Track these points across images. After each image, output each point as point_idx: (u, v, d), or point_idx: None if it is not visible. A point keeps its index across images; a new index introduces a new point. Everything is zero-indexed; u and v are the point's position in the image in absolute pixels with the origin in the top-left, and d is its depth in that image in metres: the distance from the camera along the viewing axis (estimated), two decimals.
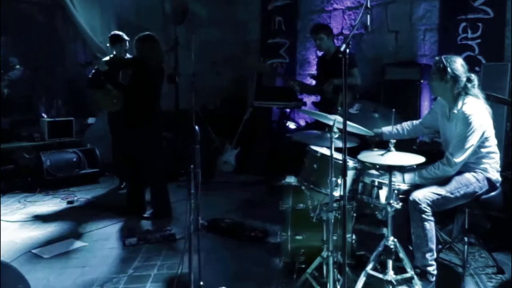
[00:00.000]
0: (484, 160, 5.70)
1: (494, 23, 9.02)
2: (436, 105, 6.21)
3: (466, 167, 5.70)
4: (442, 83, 5.69)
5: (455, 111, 5.65)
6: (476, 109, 5.53)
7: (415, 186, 5.62)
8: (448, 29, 9.61)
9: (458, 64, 5.68)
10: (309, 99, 11.41)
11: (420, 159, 5.18)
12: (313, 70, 11.17)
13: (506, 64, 8.37)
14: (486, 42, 9.12)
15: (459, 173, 5.67)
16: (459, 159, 5.46)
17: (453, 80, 5.63)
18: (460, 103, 5.63)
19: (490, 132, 5.67)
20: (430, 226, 5.46)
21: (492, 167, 5.73)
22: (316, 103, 9.78)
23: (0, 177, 10.05)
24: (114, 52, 9.73)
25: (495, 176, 5.74)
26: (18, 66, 11.93)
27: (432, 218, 5.46)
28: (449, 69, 5.60)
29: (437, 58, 5.81)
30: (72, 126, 11.37)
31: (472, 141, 5.45)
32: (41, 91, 12.37)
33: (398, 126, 6.39)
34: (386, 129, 6.33)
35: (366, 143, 6.36)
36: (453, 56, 5.78)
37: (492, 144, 5.73)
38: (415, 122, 6.45)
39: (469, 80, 5.70)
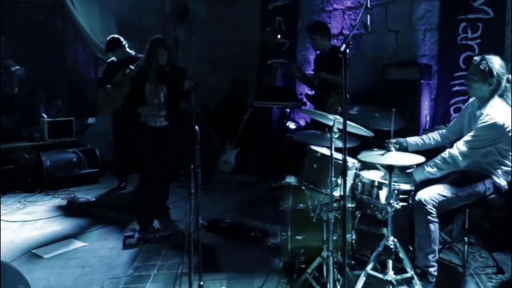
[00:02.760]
0: (499, 166, 5.69)
1: (494, 23, 9.01)
2: (465, 110, 6.15)
3: (478, 168, 5.72)
4: (485, 86, 5.63)
5: (483, 111, 5.61)
6: (501, 115, 5.49)
7: (417, 186, 5.63)
8: (448, 29, 9.60)
9: (500, 66, 5.64)
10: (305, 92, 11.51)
11: (420, 159, 5.17)
12: (312, 70, 11.18)
13: (507, 64, 8.37)
14: (486, 42, 9.09)
15: (466, 173, 5.69)
16: (470, 151, 5.45)
17: (497, 82, 5.61)
18: (489, 104, 5.61)
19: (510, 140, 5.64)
20: (435, 228, 5.47)
21: (504, 175, 5.73)
22: (309, 96, 9.85)
23: (0, 177, 10.07)
24: (114, 58, 9.71)
25: (504, 183, 5.73)
26: (18, 67, 11.95)
27: (437, 220, 5.47)
28: (494, 72, 5.57)
29: (477, 58, 5.72)
30: (72, 126, 11.37)
31: (486, 142, 5.48)
32: (41, 91, 12.38)
33: (424, 137, 6.34)
34: (411, 139, 6.30)
35: (366, 143, 6.37)
36: (493, 56, 5.72)
37: (509, 154, 5.74)
38: (442, 131, 6.38)
39: (508, 80, 5.72)
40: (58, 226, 8.10)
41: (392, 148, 5.22)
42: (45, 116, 11.34)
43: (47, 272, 6.32)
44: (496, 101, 5.62)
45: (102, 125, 11.51)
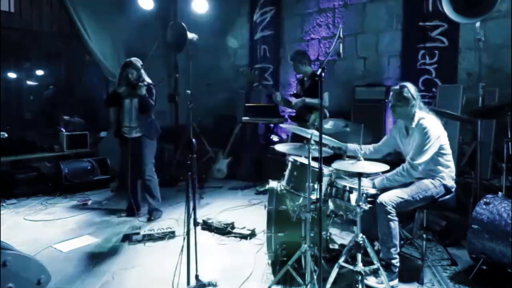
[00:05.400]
0: (441, 169, 5.75)
1: (448, 50, 9.10)
2: (393, 130, 6.29)
3: (426, 174, 5.78)
4: (408, 108, 5.76)
5: (413, 126, 5.74)
6: (431, 122, 5.63)
7: (381, 190, 5.66)
8: (409, 55, 9.66)
9: (413, 88, 5.84)
10: (286, 112, 11.54)
11: (385, 167, 5.19)
12: (293, 90, 11.20)
13: (459, 86, 8.43)
14: (442, 67, 9.19)
15: (420, 179, 5.75)
16: (419, 161, 5.54)
17: (416, 103, 5.75)
18: (416, 119, 5.73)
19: (445, 141, 5.73)
20: (395, 225, 5.50)
21: (448, 175, 5.78)
22: (291, 116, 9.89)
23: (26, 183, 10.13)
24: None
25: (451, 183, 5.79)
26: (51, 87, 12.01)
27: (396, 218, 5.50)
28: (414, 96, 5.75)
29: (397, 88, 5.86)
30: (87, 139, 11.38)
31: (430, 147, 5.54)
32: (60, 109, 12.38)
33: (362, 146, 6.34)
34: (351, 145, 6.34)
35: (339, 154, 6.39)
36: (406, 83, 5.89)
37: (448, 154, 5.79)
38: (376, 146, 6.46)
39: (420, 99, 5.87)
40: (74, 224, 8.08)
41: (361, 158, 5.24)
42: (64, 130, 11.32)
43: (66, 264, 6.30)
44: (422, 114, 5.79)
45: (112, 138, 11.52)
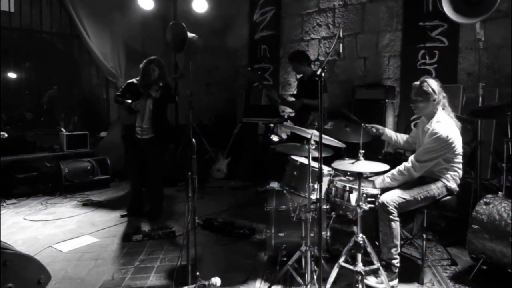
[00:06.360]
0: (448, 172, 5.70)
1: (448, 50, 9.11)
2: (419, 125, 6.19)
3: (431, 174, 5.76)
4: (429, 103, 5.70)
5: (429, 126, 5.66)
6: (445, 128, 5.53)
7: (382, 190, 5.65)
8: (409, 55, 9.66)
9: (435, 84, 5.73)
10: (286, 112, 11.55)
11: (385, 167, 5.18)
12: (293, 90, 11.21)
13: (459, 86, 8.43)
14: (442, 67, 9.20)
15: (422, 179, 5.73)
16: (421, 163, 5.54)
17: (438, 97, 5.68)
18: (434, 119, 5.66)
19: (458, 150, 5.67)
20: (396, 225, 5.49)
21: (453, 179, 5.73)
22: (291, 117, 9.88)
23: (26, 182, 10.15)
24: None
25: (454, 186, 5.73)
26: (55, 87, 12.03)
27: (397, 218, 5.50)
28: (436, 91, 5.67)
29: (417, 82, 5.81)
30: (87, 138, 11.39)
31: (434, 153, 5.50)
32: (60, 109, 12.39)
33: (398, 134, 6.42)
34: (388, 131, 6.42)
35: (339, 153, 6.39)
36: (428, 78, 5.82)
37: (458, 160, 5.73)
38: (408, 137, 6.41)
39: (444, 97, 5.78)
40: (74, 224, 8.07)
41: (361, 158, 5.23)
42: (64, 130, 11.33)
43: (66, 264, 6.29)
44: (441, 116, 5.68)
45: (112, 138, 11.53)
